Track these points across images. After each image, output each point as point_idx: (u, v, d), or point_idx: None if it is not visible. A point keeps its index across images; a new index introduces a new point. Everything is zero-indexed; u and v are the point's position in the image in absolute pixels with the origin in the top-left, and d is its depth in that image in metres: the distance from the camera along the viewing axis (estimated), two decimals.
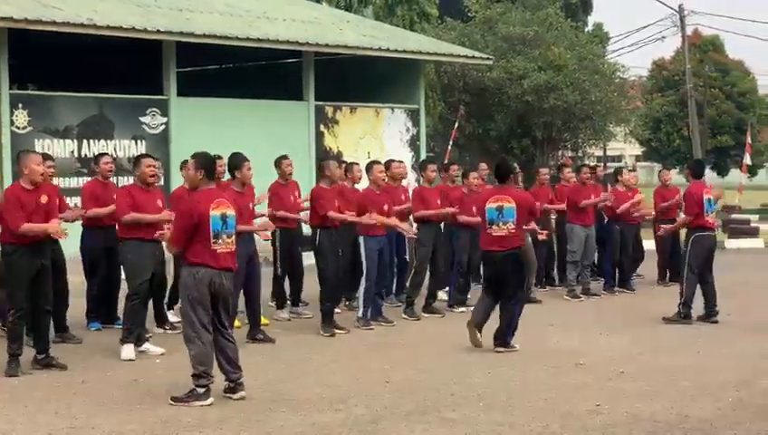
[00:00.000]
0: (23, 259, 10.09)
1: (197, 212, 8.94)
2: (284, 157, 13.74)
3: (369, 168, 13.55)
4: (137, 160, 11.60)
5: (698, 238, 13.55)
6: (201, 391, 8.89)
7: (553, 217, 16.99)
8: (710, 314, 13.51)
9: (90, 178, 13.54)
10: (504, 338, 11.53)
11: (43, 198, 10.20)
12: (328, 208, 12.56)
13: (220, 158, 11.31)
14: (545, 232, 15.52)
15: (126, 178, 18.32)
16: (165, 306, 12.74)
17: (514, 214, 11.37)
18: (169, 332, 12.36)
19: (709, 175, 28.29)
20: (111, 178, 12.95)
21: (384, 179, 13.51)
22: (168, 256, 11.02)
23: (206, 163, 9.12)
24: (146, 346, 11.24)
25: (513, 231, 11.38)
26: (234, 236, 9.17)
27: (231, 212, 9.13)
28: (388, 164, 14.46)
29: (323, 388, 9.56)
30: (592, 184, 16.35)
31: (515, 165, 12.57)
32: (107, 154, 13.42)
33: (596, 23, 53.84)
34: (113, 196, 12.14)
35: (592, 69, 30.45)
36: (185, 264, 9.08)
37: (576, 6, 47.77)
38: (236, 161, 11.56)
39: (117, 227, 11.62)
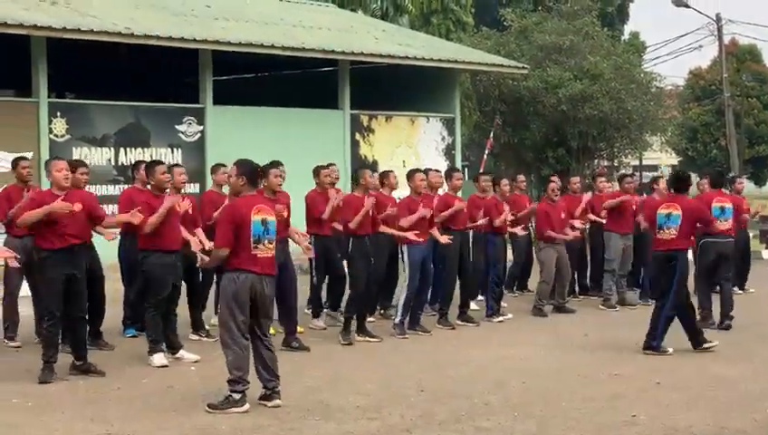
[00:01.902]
0: (55, 267, 10.14)
1: (239, 216, 9.03)
2: (325, 166, 13.74)
3: (410, 176, 13.52)
4: (150, 167, 11.50)
5: (706, 245, 13.85)
6: (237, 397, 8.91)
7: (586, 226, 16.91)
8: (722, 321, 13.56)
9: (128, 186, 13.59)
10: (649, 342, 11.91)
11: (77, 207, 10.23)
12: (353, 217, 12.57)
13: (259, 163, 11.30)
14: (575, 233, 15.58)
15: None
16: (201, 313, 12.79)
17: (679, 221, 12.02)
18: (204, 338, 12.39)
19: (747, 185, 28.02)
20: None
21: (424, 188, 13.51)
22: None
23: (248, 170, 9.23)
24: (181, 353, 11.27)
25: (673, 236, 12.01)
26: (274, 242, 9.22)
27: (272, 218, 9.20)
28: (426, 173, 14.53)
29: (358, 396, 9.56)
30: (632, 193, 16.32)
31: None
32: (145, 162, 13.46)
33: (632, 32, 53.68)
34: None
35: (628, 78, 30.28)
36: (226, 269, 9.12)
37: (612, 15, 47.66)
38: (264, 169, 11.63)
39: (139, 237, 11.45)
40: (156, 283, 11.04)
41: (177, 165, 12.18)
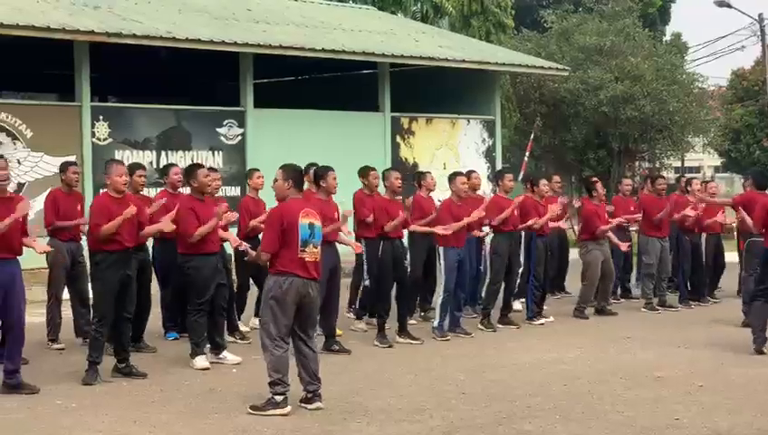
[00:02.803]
0: (111, 268, 10.23)
1: (286, 219, 9.05)
2: (372, 169, 13.73)
3: (451, 178, 13.50)
4: (190, 171, 11.44)
5: (752, 244, 13.93)
6: (278, 399, 8.94)
7: (634, 229, 16.83)
8: None
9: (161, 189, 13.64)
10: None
11: (132, 209, 10.32)
12: (385, 220, 12.55)
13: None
14: (628, 243, 15.51)
15: None
16: (237, 315, 12.83)
17: None
18: (239, 341, 12.41)
19: None
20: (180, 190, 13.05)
21: (466, 190, 13.49)
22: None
23: (293, 174, 9.28)
24: (224, 354, 11.31)
25: None
26: (320, 246, 9.24)
27: (318, 222, 9.23)
28: (468, 174, 14.56)
29: (399, 399, 9.56)
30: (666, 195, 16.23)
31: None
32: (176, 165, 13.49)
33: (674, 32, 53.23)
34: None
35: (670, 79, 30.11)
36: (272, 272, 9.14)
37: (654, 16, 47.36)
38: (321, 171, 11.75)
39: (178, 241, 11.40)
40: (197, 287, 11.06)
41: (201, 165, 12.12)
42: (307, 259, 9.08)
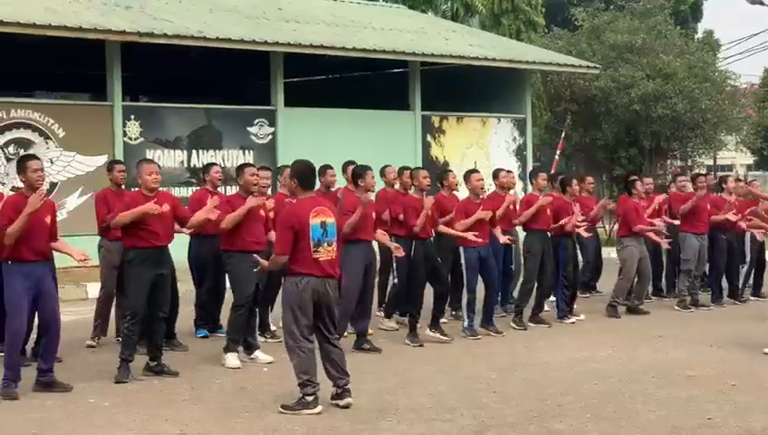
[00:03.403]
0: (143, 266, 10.27)
1: (296, 220, 9.01)
2: (421, 168, 13.71)
3: (466, 176, 13.49)
4: (240, 169, 11.64)
5: None
6: (309, 399, 8.94)
7: (662, 226, 16.75)
8: None
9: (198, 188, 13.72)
10: None
11: (165, 208, 10.37)
12: (414, 220, 12.54)
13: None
14: (667, 240, 15.46)
15: (234, 187, 18.59)
16: (269, 315, 12.86)
17: None
18: (270, 340, 12.43)
19: None
20: (219, 188, 13.12)
21: (482, 188, 13.46)
22: None
23: (299, 171, 9.22)
24: (255, 354, 11.34)
25: None
26: (334, 244, 9.17)
27: (331, 220, 9.14)
28: (496, 173, 14.56)
29: (429, 397, 9.55)
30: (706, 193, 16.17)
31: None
32: (216, 164, 13.57)
33: (706, 30, 52.96)
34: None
35: (702, 77, 29.94)
36: (288, 273, 9.14)
37: (686, 14, 47.13)
38: (360, 170, 11.83)
39: (221, 238, 11.64)
40: (240, 282, 11.09)
41: (251, 164, 12.18)
42: (321, 258, 9.03)
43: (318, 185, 12.50)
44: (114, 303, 12.31)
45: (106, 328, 12.38)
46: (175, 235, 10.93)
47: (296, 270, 9.03)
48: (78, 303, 12.56)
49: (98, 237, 11.96)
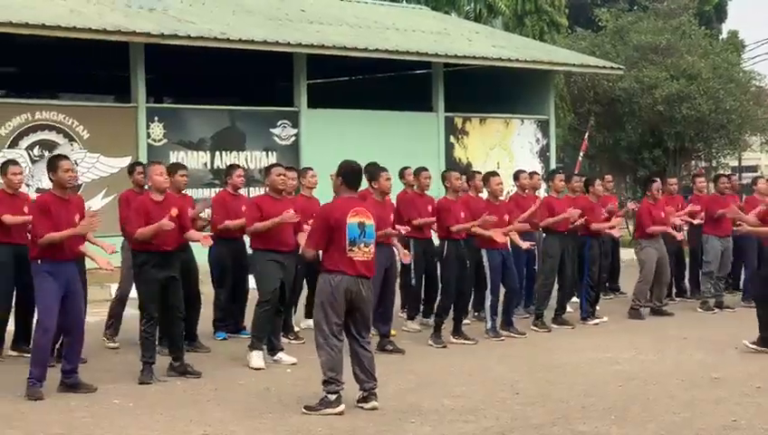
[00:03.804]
0: (153, 269, 10.29)
1: (334, 218, 9.04)
2: (424, 169, 13.72)
3: (486, 179, 13.49)
4: (267, 170, 11.70)
5: None
6: (332, 398, 8.95)
7: (685, 227, 16.69)
8: None
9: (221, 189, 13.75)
10: None
11: (173, 211, 10.37)
12: (452, 221, 12.53)
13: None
14: (680, 234, 15.39)
15: (257, 189, 18.65)
16: (292, 316, 12.87)
17: None
18: (293, 341, 12.44)
19: None
20: (242, 190, 13.15)
21: (502, 191, 13.47)
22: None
23: (345, 171, 9.24)
24: (279, 355, 11.34)
25: None
26: (372, 245, 9.18)
27: (370, 222, 9.16)
28: (516, 175, 14.60)
29: (453, 399, 9.54)
30: (730, 194, 16.11)
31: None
32: (240, 166, 13.61)
33: (730, 30, 52.71)
34: (242, 207, 12.36)
35: (727, 77, 29.82)
36: (322, 270, 9.16)
37: (710, 14, 46.92)
38: (374, 171, 11.78)
39: (249, 238, 11.70)
40: (263, 279, 11.12)
41: (278, 164, 12.17)
42: (356, 258, 9.04)
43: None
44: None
45: (118, 328, 12.42)
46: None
47: (329, 267, 9.06)
48: (102, 304, 12.61)
49: (121, 238, 12.00)
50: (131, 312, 12.34)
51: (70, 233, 9.60)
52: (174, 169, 12.09)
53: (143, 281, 10.38)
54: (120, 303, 12.40)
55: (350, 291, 9.01)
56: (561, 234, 14.01)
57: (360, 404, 9.11)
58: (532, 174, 15.23)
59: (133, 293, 12.28)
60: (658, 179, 15.95)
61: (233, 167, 13.32)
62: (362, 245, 9.07)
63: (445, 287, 12.67)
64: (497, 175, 13.60)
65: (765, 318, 12.07)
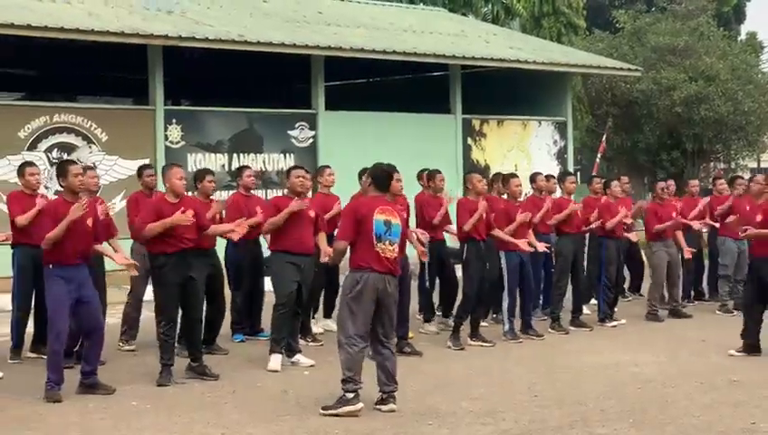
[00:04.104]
0: (171, 271, 10.29)
1: (361, 213, 9.13)
2: (438, 171, 13.72)
3: (505, 181, 13.50)
4: (288, 172, 11.72)
5: None
6: (350, 396, 8.96)
7: (705, 230, 16.64)
8: None
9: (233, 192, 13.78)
10: None
11: (189, 213, 10.32)
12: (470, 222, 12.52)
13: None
14: (690, 249, 15.29)
15: (274, 190, 18.66)
16: (311, 318, 12.86)
17: None
18: (311, 344, 12.43)
19: None
20: (257, 191, 13.17)
21: (521, 193, 13.47)
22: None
23: (375, 173, 9.44)
24: (297, 357, 11.35)
25: None
26: (397, 244, 9.22)
27: (397, 221, 9.24)
28: (533, 177, 14.59)
29: (470, 401, 9.53)
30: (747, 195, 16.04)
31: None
32: (249, 167, 13.66)
33: (749, 32, 52.56)
34: (256, 208, 12.39)
35: (745, 79, 29.75)
36: (350, 268, 9.20)
37: (728, 15, 46.81)
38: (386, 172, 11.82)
39: (268, 239, 11.70)
40: (280, 281, 11.14)
41: (299, 167, 12.12)
42: (382, 254, 9.09)
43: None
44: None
45: (134, 334, 12.42)
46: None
47: (357, 263, 9.13)
48: (119, 306, 12.61)
49: (131, 242, 12.03)
50: (147, 314, 12.39)
51: (59, 230, 9.56)
52: (202, 174, 12.18)
53: (162, 283, 10.38)
54: (134, 308, 12.40)
55: (377, 288, 9.04)
56: (574, 235, 13.99)
57: (378, 406, 9.12)
58: (548, 177, 15.22)
59: (148, 295, 12.36)
60: (666, 180, 15.90)
61: (243, 168, 13.40)
62: (387, 242, 9.13)
63: (465, 289, 12.66)
64: (517, 176, 13.62)
65: (752, 324, 11.98)
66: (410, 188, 13.35)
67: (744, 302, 12.72)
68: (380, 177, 9.42)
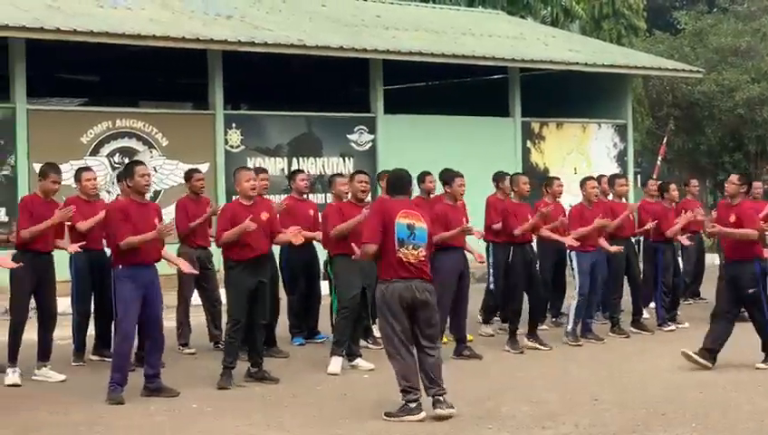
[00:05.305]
0: (243, 274, 10.36)
1: (385, 215, 9.07)
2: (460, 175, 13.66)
3: (582, 183, 13.41)
4: (351, 177, 11.74)
5: None
6: (412, 405, 8.92)
7: None
8: None
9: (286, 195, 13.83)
10: None
11: (264, 215, 10.44)
12: (515, 224, 12.46)
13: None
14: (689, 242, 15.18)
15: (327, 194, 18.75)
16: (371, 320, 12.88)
17: None
18: (371, 346, 12.42)
19: None
20: (305, 195, 13.23)
21: (596, 195, 13.35)
22: None
23: (388, 178, 9.61)
24: (357, 361, 11.37)
25: None
26: (422, 248, 9.10)
27: (421, 225, 9.13)
28: (597, 180, 14.48)
29: (530, 405, 9.49)
30: None
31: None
32: (302, 171, 13.74)
33: None
34: (309, 211, 12.48)
35: None
36: (378, 280, 9.21)
37: None
38: (448, 176, 11.89)
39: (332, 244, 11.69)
40: (342, 286, 11.20)
41: (361, 171, 12.12)
42: (405, 260, 8.99)
43: (419, 191, 12.62)
44: (203, 309, 12.49)
45: (188, 335, 12.52)
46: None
47: (382, 275, 9.11)
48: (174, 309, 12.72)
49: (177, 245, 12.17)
50: (200, 320, 12.50)
51: (150, 236, 9.72)
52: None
53: (233, 285, 10.45)
54: (184, 311, 12.49)
55: (403, 297, 8.96)
56: (625, 239, 13.88)
57: (435, 411, 9.04)
58: (599, 178, 14.91)
59: (195, 299, 12.47)
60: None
61: (296, 172, 13.50)
62: (411, 247, 9.04)
63: (511, 292, 12.62)
64: (593, 179, 13.64)
65: (719, 331, 11.58)
66: (471, 192, 13.23)
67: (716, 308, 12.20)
68: (392, 181, 9.43)
